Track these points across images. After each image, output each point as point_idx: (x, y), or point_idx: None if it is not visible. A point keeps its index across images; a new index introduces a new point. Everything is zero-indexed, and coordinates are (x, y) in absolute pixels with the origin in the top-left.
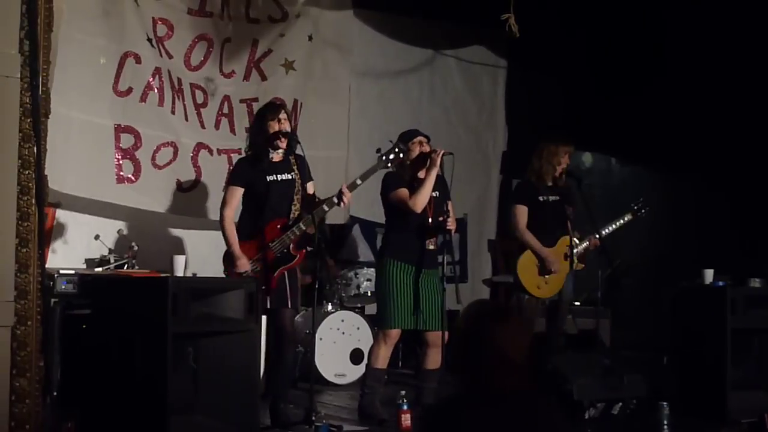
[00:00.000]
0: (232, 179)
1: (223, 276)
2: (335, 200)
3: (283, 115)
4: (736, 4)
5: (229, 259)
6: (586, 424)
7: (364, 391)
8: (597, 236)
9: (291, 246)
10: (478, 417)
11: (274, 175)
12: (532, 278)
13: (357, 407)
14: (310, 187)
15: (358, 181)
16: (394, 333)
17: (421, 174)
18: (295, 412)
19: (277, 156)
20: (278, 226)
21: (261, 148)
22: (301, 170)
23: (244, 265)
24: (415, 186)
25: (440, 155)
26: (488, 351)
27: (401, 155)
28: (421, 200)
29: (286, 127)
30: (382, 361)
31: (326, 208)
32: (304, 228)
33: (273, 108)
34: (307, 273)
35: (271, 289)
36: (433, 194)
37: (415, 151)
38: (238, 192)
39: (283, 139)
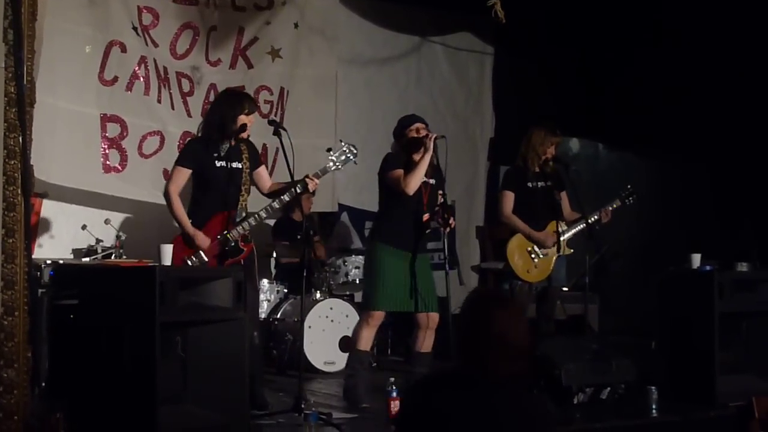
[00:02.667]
0: (181, 159)
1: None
2: (299, 189)
3: (254, 115)
4: None
5: (181, 244)
6: (574, 409)
7: (347, 374)
8: (585, 223)
9: (239, 239)
10: (473, 399)
11: (226, 162)
12: (523, 263)
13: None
14: (264, 172)
15: (320, 173)
16: (377, 315)
17: (416, 157)
18: (281, 400)
19: (231, 141)
20: (226, 219)
21: (217, 134)
22: (251, 158)
23: (203, 239)
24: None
25: (432, 139)
26: (492, 338)
27: (351, 157)
28: (413, 182)
29: (252, 123)
30: (365, 342)
31: (287, 198)
32: (254, 224)
33: (249, 101)
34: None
35: None
36: (430, 181)
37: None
38: (184, 173)
39: (245, 133)
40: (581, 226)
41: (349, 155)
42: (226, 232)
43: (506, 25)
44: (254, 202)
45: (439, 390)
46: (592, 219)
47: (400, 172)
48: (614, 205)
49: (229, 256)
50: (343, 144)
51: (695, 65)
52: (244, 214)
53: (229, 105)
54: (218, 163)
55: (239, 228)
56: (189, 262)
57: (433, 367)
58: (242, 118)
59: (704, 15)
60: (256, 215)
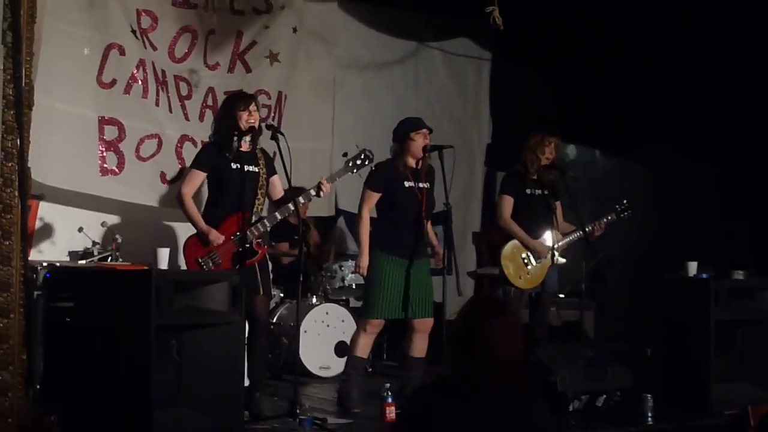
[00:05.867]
0: (196, 162)
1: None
2: (312, 192)
3: (253, 107)
4: None
5: (194, 244)
6: (570, 416)
7: (342, 378)
8: (582, 231)
9: (253, 241)
10: (469, 410)
11: (241, 165)
12: (516, 269)
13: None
14: (278, 181)
15: (336, 177)
16: (376, 323)
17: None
18: (276, 405)
19: (244, 145)
20: (241, 219)
21: (225, 136)
22: (267, 164)
23: (217, 236)
24: (407, 176)
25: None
26: (484, 347)
27: (367, 162)
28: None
29: (255, 119)
30: (362, 349)
31: (302, 200)
32: (269, 225)
33: (244, 98)
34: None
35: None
36: (426, 186)
37: (419, 141)
38: (200, 176)
39: (247, 132)
40: (575, 236)
41: (365, 161)
42: (240, 233)
43: (504, 31)
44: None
45: (439, 399)
46: (587, 229)
47: (370, 202)
48: (609, 218)
49: (244, 258)
50: (359, 149)
51: (693, 72)
52: (259, 216)
53: (226, 105)
54: (233, 165)
55: (254, 229)
56: (203, 264)
57: (429, 373)
58: (241, 115)
59: (702, 20)
60: (272, 217)
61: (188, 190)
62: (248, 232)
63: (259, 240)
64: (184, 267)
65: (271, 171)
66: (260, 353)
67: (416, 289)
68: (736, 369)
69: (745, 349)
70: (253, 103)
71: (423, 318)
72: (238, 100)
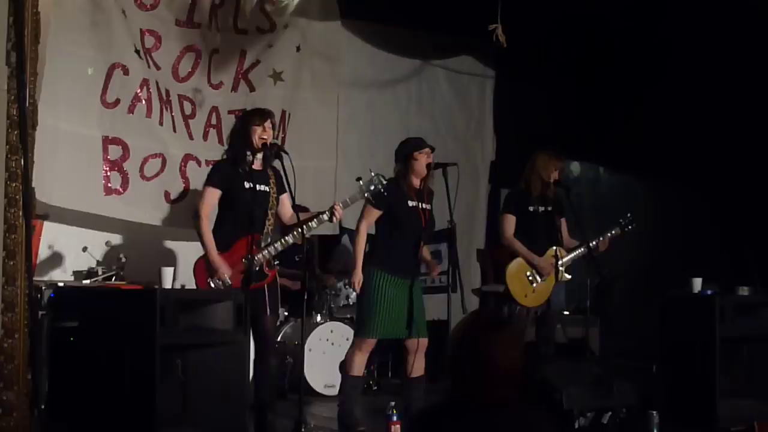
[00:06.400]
0: (210, 180)
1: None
2: (325, 217)
3: (268, 124)
4: (720, 15)
5: (205, 266)
6: None
7: (341, 399)
8: (586, 247)
9: (264, 264)
10: (469, 427)
11: (253, 184)
12: (521, 287)
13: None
14: (287, 200)
15: (349, 201)
16: (371, 342)
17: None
18: (283, 424)
19: (256, 163)
20: (252, 242)
21: (239, 151)
22: (277, 183)
23: (227, 270)
24: (411, 196)
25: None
26: (480, 361)
27: (381, 187)
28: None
29: (269, 136)
30: (358, 368)
31: (315, 225)
32: (279, 248)
33: (261, 113)
34: (297, 280)
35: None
36: (427, 206)
37: (422, 160)
38: (215, 194)
39: (260, 149)
40: (579, 251)
41: (378, 186)
42: (251, 255)
43: (507, 49)
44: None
45: (444, 419)
46: (592, 244)
47: (370, 218)
48: (613, 233)
49: (253, 280)
50: (373, 174)
51: (695, 90)
52: (269, 239)
53: (242, 120)
54: (246, 184)
55: (265, 252)
56: (213, 284)
57: (430, 390)
58: (255, 129)
59: (706, 41)
60: (282, 240)
61: (206, 211)
62: (259, 255)
63: (270, 262)
64: (189, 286)
65: (281, 189)
66: (269, 373)
67: (414, 310)
68: (742, 385)
69: (750, 366)
70: (269, 120)
71: (420, 338)
72: (255, 114)
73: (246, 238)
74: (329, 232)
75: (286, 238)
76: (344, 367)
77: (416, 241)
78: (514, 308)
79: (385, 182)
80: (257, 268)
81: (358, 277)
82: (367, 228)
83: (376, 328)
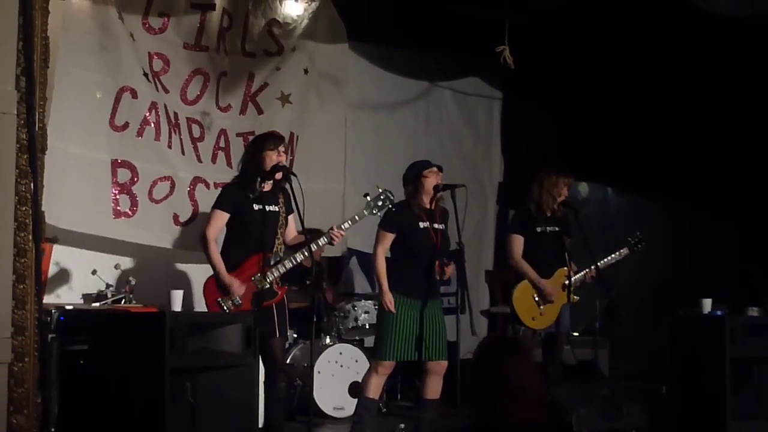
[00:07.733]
0: (219, 203)
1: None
2: (323, 241)
3: (282, 148)
4: (726, 34)
5: (215, 286)
6: None
7: (355, 420)
8: (594, 268)
9: (274, 282)
10: None
11: (262, 205)
12: (528, 310)
13: None
14: (293, 221)
15: (346, 225)
16: (388, 365)
17: (431, 205)
18: None
19: (267, 185)
20: (262, 260)
21: (252, 175)
22: (286, 203)
23: (239, 288)
24: (422, 217)
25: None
26: (507, 384)
27: (388, 203)
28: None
29: (283, 160)
30: (374, 390)
31: (314, 247)
32: (289, 266)
33: (274, 138)
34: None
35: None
36: (440, 227)
37: (431, 178)
38: (223, 217)
39: (279, 174)
40: (587, 272)
41: (387, 202)
42: (260, 274)
43: (514, 71)
44: None
45: None
46: (600, 264)
47: (385, 243)
48: (621, 253)
49: (263, 299)
50: (380, 190)
51: (704, 111)
52: (279, 257)
53: (255, 144)
54: (255, 206)
55: (274, 270)
56: (223, 304)
57: (444, 414)
58: (270, 154)
59: (714, 64)
60: (292, 258)
61: (213, 233)
62: (269, 273)
63: (279, 281)
64: (198, 308)
65: (290, 209)
66: (278, 395)
67: (429, 331)
68: (753, 406)
69: (761, 386)
70: (282, 145)
71: (437, 360)
72: (269, 139)
73: (256, 257)
74: (336, 254)
75: (296, 256)
76: (361, 388)
77: (429, 262)
78: (519, 329)
79: (392, 198)
80: (268, 286)
81: (388, 296)
82: (383, 253)
83: (391, 351)
